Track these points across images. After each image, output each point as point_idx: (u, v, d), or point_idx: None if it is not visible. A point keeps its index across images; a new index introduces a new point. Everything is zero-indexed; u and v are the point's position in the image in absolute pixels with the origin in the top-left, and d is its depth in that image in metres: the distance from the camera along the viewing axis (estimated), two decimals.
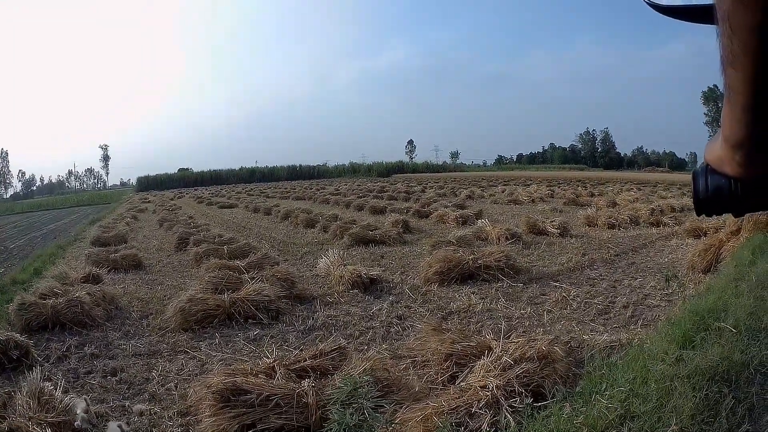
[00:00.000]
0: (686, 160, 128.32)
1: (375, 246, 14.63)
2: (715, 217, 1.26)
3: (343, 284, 9.83)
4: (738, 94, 0.83)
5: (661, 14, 1.18)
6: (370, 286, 9.73)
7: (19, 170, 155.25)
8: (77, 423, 4.62)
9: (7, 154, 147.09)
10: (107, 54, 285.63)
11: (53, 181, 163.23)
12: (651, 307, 7.85)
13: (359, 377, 4.13)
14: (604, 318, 7.55)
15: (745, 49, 0.75)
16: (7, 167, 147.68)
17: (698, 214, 1.19)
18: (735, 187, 1.06)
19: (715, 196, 1.10)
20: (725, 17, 0.74)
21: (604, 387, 4.21)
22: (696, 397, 3.86)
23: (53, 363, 6.83)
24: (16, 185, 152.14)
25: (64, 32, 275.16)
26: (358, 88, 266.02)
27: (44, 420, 4.54)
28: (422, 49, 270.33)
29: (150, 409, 5.27)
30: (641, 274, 10.01)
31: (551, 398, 4.44)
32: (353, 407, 3.74)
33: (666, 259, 11.28)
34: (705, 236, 11.98)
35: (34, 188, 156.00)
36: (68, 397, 5.04)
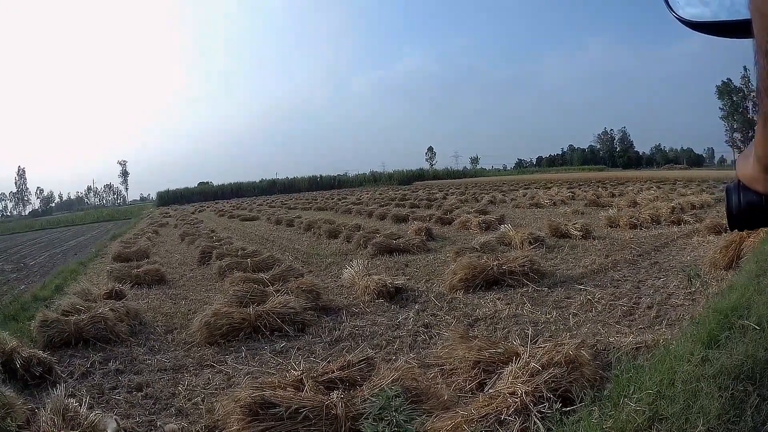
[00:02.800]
0: (704, 155, 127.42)
1: (399, 255, 14.64)
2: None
3: (368, 294, 9.83)
4: None
5: (689, 29, 1.21)
6: (395, 295, 9.74)
7: (37, 187, 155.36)
8: None
9: (24, 172, 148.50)
10: (124, 70, 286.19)
11: (72, 197, 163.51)
12: (675, 307, 7.84)
13: (391, 390, 4.14)
14: (629, 319, 7.54)
15: None
16: (25, 185, 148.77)
17: (731, 229, 1.22)
18: (767, 203, 1.10)
19: (747, 211, 1.13)
20: (763, 51, 0.79)
21: (632, 390, 4.20)
22: (722, 397, 3.87)
23: (77, 379, 6.87)
24: (35, 202, 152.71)
25: (82, 49, 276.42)
26: (375, 97, 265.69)
27: None
28: (437, 56, 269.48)
29: (182, 428, 5.25)
30: (664, 273, 10.01)
31: (580, 403, 4.45)
32: (385, 421, 3.76)
33: (688, 257, 11.29)
34: (726, 233, 11.92)
35: (53, 205, 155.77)
36: (93, 413, 5.00)
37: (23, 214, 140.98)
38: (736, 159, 1.16)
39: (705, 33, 1.19)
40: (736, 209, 1.15)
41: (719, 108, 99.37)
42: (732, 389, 3.97)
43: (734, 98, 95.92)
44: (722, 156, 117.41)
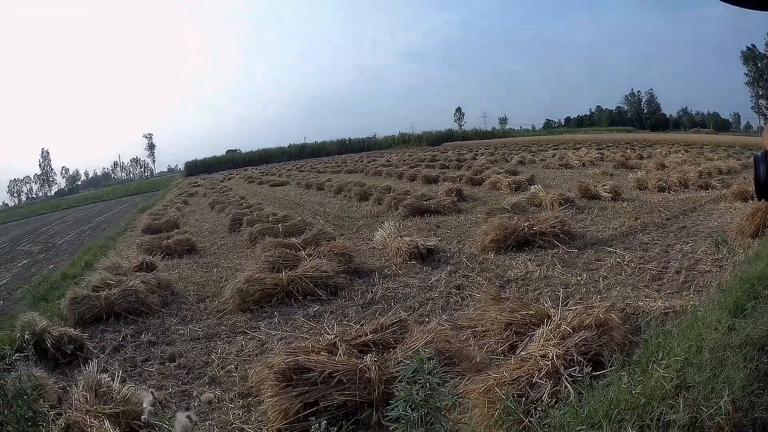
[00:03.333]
0: (730, 120, 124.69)
1: (430, 216, 14.80)
2: None
3: (400, 256, 10.00)
4: None
5: (728, 3, 1.25)
6: (427, 256, 9.88)
7: (62, 167, 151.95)
8: (144, 417, 4.47)
9: (48, 153, 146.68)
10: (144, 40, 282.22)
11: (98, 174, 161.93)
12: (703, 273, 7.89)
13: (424, 353, 4.20)
14: (658, 284, 7.61)
15: None
16: (50, 165, 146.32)
17: (759, 199, 1.27)
18: None
19: None
20: None
21: (661, 356, 4.22)
22: (747, 368, 3.90)
23: (109, 354, 7.03)
24: (60, 182, 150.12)
25: (102, 25, 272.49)
26: (402, 59, 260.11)
27: (102, 412, 4.56)
28: (464, 16, 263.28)
29: (218, 397, 5.33)
30: (692, 238, 10.06)
31: (609, 367, 4.49)
32: (419, 383, 3.82)
33: (715, 223, 11.32)
34: (752, 200, 11.86)
35: (79, 183, 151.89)
36: (126, 387, 5.05)
37: (49, 194, 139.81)
38: (763, 127, 1.22)
39: (733, 4, 1.24)
40: (764, 179, 1.22)
41: (744, 74, 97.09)
42: (757, 361, 4.01)
43: (759, 65, 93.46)
44: (748, 122, 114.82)
